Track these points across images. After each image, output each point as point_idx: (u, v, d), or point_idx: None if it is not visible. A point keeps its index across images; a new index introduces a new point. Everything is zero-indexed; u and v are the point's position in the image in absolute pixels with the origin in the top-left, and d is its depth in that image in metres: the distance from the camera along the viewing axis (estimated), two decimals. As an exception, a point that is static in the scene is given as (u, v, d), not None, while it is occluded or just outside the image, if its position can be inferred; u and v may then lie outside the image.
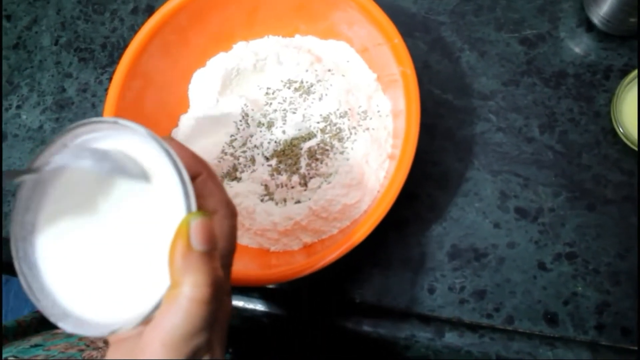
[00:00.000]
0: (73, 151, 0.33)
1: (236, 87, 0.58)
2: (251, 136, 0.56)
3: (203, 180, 0.34)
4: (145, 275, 0.32)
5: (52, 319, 0.32)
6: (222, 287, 0.31)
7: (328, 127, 0.54)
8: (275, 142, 0.55)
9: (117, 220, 0.33)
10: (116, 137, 0.33)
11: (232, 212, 0.35)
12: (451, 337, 0.53)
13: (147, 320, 0.30)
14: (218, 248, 0.32)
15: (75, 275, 0.33)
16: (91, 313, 0.32)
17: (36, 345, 0.55)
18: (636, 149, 0.52)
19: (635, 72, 0.52)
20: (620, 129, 0.52)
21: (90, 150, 0.33)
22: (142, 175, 0.32)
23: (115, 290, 0.32)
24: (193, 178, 0.33)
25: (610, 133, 0.55)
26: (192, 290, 0.29)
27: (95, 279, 0.33)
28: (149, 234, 0.32)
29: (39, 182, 0.33)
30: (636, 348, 0.51)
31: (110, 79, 0.65)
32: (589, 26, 0.57)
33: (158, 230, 0.32)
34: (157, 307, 0.30)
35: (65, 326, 0.31)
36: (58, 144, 0.33)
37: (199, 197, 0.32)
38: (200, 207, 0.32)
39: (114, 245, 0.33)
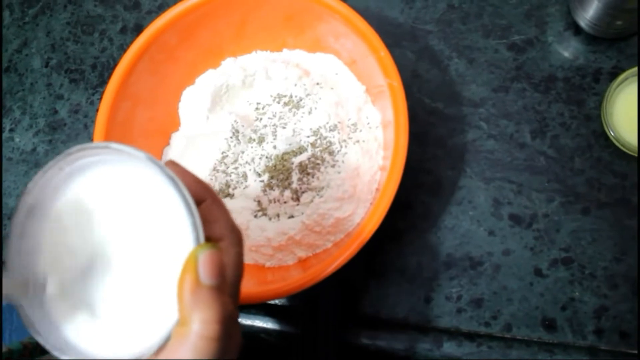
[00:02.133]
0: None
1: (226, 103, 0.58)
2: (242, 152, 0.56)
3: (208, 206, 0.33)
4: (153, 307, 0.31)
5: (55, 353, 0.31)
6: (232, 319, 0.30)
7: (318, 141, 0.54)
8: (267, 157, 0.55)
9: (122, 250, 0.32)
10: (116, 163, 0.32)
11: (238, 238, 0.34)
12: (449, 347, 0.53)
13: (156, 353, 0.30)
14: (227, 279, 0.31)
15: (77, 306, 0.32)
16: (94, 345, 0.31)
17: None
18: (627, 151, 0.51)
19: (624, 74, 0.52)
20: (611, 131, 0.52)
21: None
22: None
23: (119, 323, 0.31)
24: (197, 204, 0.31)
25: (602, 136, 0.54)
26: (201, 327, 0.28)
27: (98, 309, 0.32)
28: (155, 265, 0.31)
29: (35, 207, 0.32)
30: (636, 352, 0.50)
31: (101, 99, 0.65)
32: (577, 30, 0.57)
33: (164, 260, 0.31)
34: (165, 341, 0.29)
35: (67, 358, 0.31)
36: (55, 168, 0.32)
37: (204, 223, 0.31)
38: (206, 234, 0.31)
39: (119, 276, 0.32)
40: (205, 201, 0.33)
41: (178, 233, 0.30)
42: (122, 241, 0.32)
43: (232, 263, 0.33)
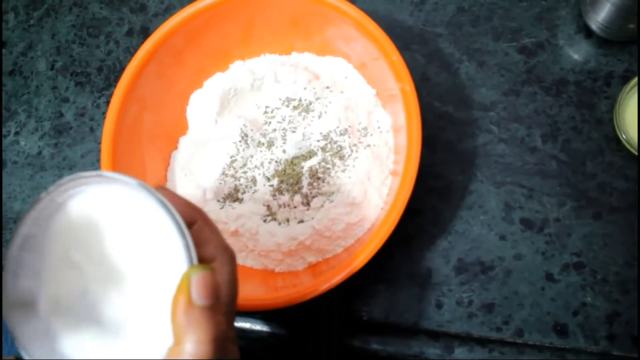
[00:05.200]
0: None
1: (234, 107, 0.57)
2: (251, 156, 0.55)
3: (199, 228, 0.33)
4: (148, 331, 0.31)
5: None
6: (227, 338, 0.31)
7: (329, 145, 0.54)
8: (276, 161, 0.54)
9: (116, 274, 0.32)
10: (107, 191, 0.33)
11: (231, 257, 0.34)
12: (461, 353, 0.52)
13: None
14: (221, 299, 0.31)
15: (75, 334, 0.32)
16: None
17: None
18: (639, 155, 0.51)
19: (636, 78, 0.51)
20: (623, 135, 0.51)
21: None
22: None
23: (114, 346, 0.32)
24: (189, 226, 0.32)
25: (614, 140, 0.54)
26: (194, 347, 0.29)
27: (93, 333, 0.32)
28: (149, 289, 0.32)
29: (30, 238, 0.32)
30: (649, 357, 0.50)
31: (107, 102, 0.64)
32: (588, 33, 0.56)
33: (159, 284, 0.31)
34: None
35: None
36: (46, 200, 0.32)
37: (196, 245, 0.31)
38: (198, 255, 0.31)
39: (114, 301, 0.32)
40: (196, 223, 0.34)
41: (171, 256, 0.31)
42: (116, 266, 0.32)
43: (225, 282, 0.33)
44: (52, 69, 0.68)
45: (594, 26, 0.55)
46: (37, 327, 0.32)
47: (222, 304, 0.32)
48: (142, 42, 0.54)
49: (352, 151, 0.53)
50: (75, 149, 0.65)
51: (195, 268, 0.30)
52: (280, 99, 0.57)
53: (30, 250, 0.32)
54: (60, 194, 0.32)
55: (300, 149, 0.54)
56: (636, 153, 0.51)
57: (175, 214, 0.31)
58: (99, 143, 0.63)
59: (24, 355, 0.31)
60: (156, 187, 0.32)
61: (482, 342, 0.52)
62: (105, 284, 0.32)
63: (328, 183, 0.53)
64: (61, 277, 0.32)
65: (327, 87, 0.56)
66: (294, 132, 0.55)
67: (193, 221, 0.33)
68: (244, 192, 0.55)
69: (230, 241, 0.50)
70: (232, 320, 0.34)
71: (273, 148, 0.55)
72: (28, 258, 0.32)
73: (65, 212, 0.33)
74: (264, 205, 0.54)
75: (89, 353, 0.32)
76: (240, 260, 0.54)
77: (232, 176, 0.55)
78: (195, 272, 0.30)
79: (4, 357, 0.51)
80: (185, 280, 0.30)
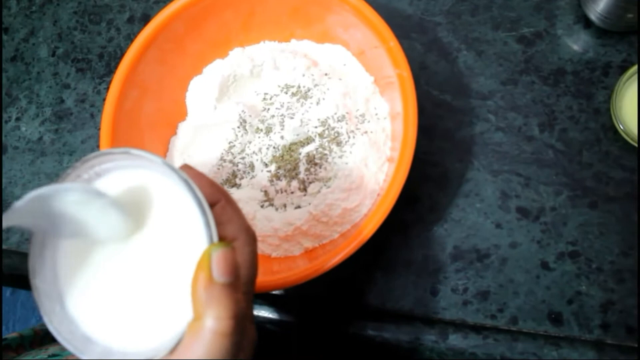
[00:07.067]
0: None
1: (233, 93, 0.58)
2: (249, 142, 0.56)
3: (222, 207, 0.34)
4: (169, 305, 0.32)
5: (74, 351, 0.31)
6: (245, 317, 0.31)
7: (326, 132, 0.54)
8: (274, 147, 0.55)
9: (139, 250, 0.32)
10: (130, 167, 0.33)
11: (252, 238, 0.35)
12: (455, 339, 0.53)
13: (171, 351, 0.30)
14: (240, 277, 0.32)
15: (97, 306, 0.32)
16: (113, 343, 0.32)
17: (54, 355, 0.54)
18: (636, 145, 0.51)
19: (634, 68, 0.52)
20: (621, 125, 0.52)
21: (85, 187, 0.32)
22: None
23: (138, 321, 0.32)
24: (211, 205, 0.32)
25: (611, 130, 0.54)
26: (214, 323, 0.29)
27: (118, 309, 0.32)
28: (171, 264, 0.32)
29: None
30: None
31: (108, 89, 0.64)
32: (587, 23, 0.57)
33: (180, 260, 0.31)
34: (180, 338, 0.30)
35: (89, 356, 0.31)
36: (72, 176, 0.32)
37: (218, 224, 0.32)
38: (220, 235, 0.32)
39: (136, 276, 0.32)
40: (219, 202, 0.34)
41: (193, 233, 0.31)
42: (140, 241, 0.33)
43: (245, 262, 0.34)
44: (53, 55, 0.69)
45: (592, 16, 0.55)
46: (59, 300, 0.32)
47: (242, 283, 0.32)
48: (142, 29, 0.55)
49: (349, 137, 0.53)
50: (75, 134, 0.65)
51: (216, 246, 0.30)
52: (279, 86, 0.57)
53: (55, 226, 0.32)
54: (86, 170, 0.32)
55: (298, 135, 0.54)
56: (633, 143, 0.51)
57: (198, 192, 0.31)
58: (99, 129, 0.63)
59: (46, 322, 0.31)
60: (182, 166, 0.33)
61: (477, 329, 0.53)
62: (127, 260, 0.32)
63: (325, 169, 0.53)
64: (83, 251, 0.33)
65: (326, 74, 0.56)
66: (292, 118, 0.55)
67: (216, 201, 0.34)
68: (241, 178, 0.56)
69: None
70: (251, 300, 0.35)
71: (271, 134, 0.55)
72: (52, 235, 0.33)
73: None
74: (261, 190, 0.55)
75: (109, 328, 0.32)
76: (237, 245, 0.54)
77: (230, 162, 0.56)
78: (215, 249, 0.30)
79: (6, 336, 0.52)
80: (206, 257, 0.30)
